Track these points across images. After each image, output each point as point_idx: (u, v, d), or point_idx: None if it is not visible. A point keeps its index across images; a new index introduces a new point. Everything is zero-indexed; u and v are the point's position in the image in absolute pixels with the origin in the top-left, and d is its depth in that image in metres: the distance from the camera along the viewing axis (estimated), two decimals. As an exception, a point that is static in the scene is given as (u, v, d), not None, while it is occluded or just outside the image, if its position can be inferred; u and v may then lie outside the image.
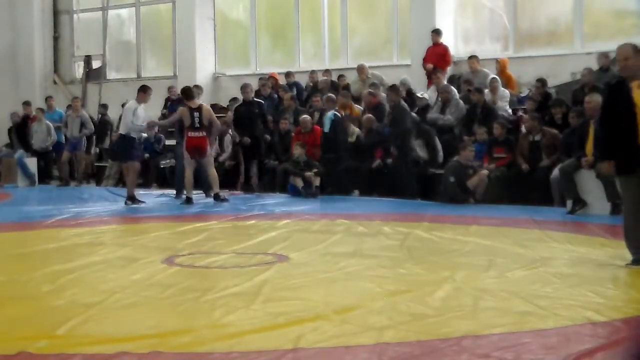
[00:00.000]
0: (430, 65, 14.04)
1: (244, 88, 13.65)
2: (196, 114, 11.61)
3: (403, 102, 12.62)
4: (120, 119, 16.75)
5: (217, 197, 11.91)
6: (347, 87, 14.71)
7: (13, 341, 4.13)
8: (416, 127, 12.35)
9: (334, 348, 3.99)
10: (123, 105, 16.61)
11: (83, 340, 4.19)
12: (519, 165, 11.15)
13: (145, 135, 12.48)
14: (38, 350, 3.99)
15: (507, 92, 12.95)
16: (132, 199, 11.84)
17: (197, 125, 11.59)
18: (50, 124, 16.56)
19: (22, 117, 17.59)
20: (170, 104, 14.96)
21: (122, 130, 12.09)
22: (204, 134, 11.72)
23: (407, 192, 11.91)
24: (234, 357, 3.88)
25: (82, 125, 15.97)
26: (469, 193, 11.20)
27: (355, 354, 3.89)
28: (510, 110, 12.75)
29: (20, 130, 17.35)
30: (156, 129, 14.77)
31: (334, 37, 17.14)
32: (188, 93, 11.92)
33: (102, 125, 17.41)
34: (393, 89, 12.63)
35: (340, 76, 15.30)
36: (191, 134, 11.65)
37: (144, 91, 11.90)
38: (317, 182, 12.64)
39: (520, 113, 12.51)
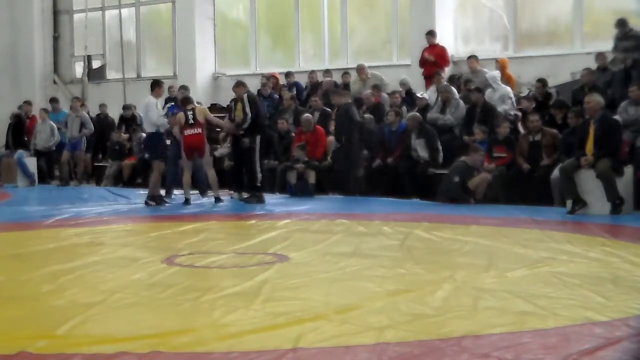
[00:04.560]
0: (431, 58, 14.03)
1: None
2: (190, 112, 11.81)
3: (352, 105, 12.59)
4: (120, 119, 16.87)
5: (218, 200, 11.92)
6: (347, 87, 14.70)
7: (13, 341, 4.13)
8: (418, 127, 12.34)
9: (334, 348, 3.99)
10: (124, 108, 16.76)
11: (83, 340, 4.19)
12: (519, 165, 11.14)
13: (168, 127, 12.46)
14: (38, 350, 3.99)
15: (508, 89, 12.90)
16: (153, 198, 11.81)
17: (192, 121, 11.71)
18: (54, 125, 16.56)
19: (19, 117, 17.51)
20: (171, 106, 14.95)
21: (148, 128, 12.08)
22: (200, 131, 11.80)
23: (352, 190, 12.16)
24: (234, 357, 3.88)
25: (82, 125, 15.96)
26: (469, 193, 11.20)
27: (355, 354, 3.89)
28: (512, 112, 12.69)
29: (17, 129, 17.31)
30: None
31: (334, 37, 17.13)
32: (187, 101, 12.19)
33: (101, 126, 17.34)
34: (336, 91, 12.74)
35: (345, 73, 15.26)
36: (187, 132, 11.77)
37: (159, 86, 12.03)
38: (312, 178, 12.62)
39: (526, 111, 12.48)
